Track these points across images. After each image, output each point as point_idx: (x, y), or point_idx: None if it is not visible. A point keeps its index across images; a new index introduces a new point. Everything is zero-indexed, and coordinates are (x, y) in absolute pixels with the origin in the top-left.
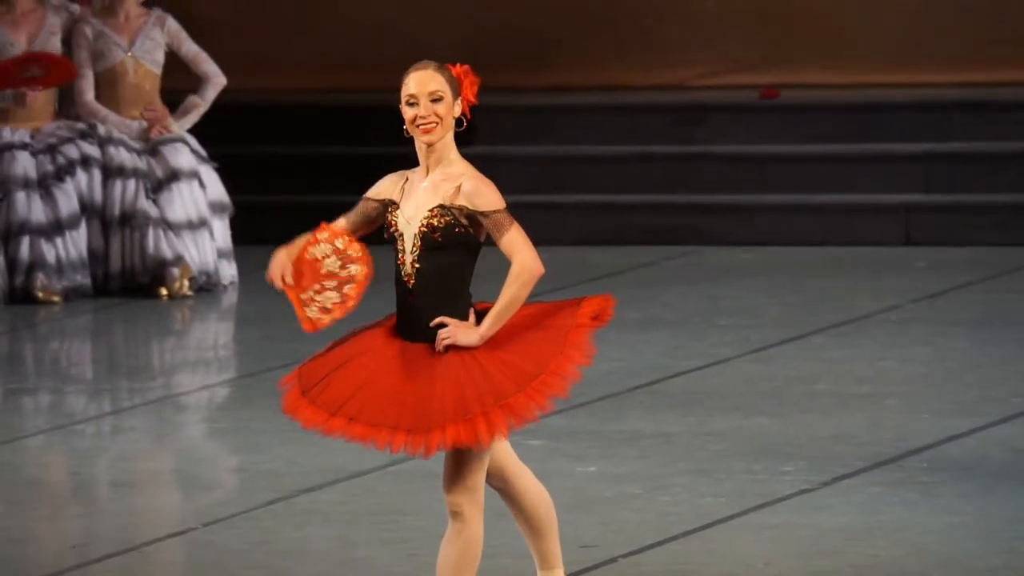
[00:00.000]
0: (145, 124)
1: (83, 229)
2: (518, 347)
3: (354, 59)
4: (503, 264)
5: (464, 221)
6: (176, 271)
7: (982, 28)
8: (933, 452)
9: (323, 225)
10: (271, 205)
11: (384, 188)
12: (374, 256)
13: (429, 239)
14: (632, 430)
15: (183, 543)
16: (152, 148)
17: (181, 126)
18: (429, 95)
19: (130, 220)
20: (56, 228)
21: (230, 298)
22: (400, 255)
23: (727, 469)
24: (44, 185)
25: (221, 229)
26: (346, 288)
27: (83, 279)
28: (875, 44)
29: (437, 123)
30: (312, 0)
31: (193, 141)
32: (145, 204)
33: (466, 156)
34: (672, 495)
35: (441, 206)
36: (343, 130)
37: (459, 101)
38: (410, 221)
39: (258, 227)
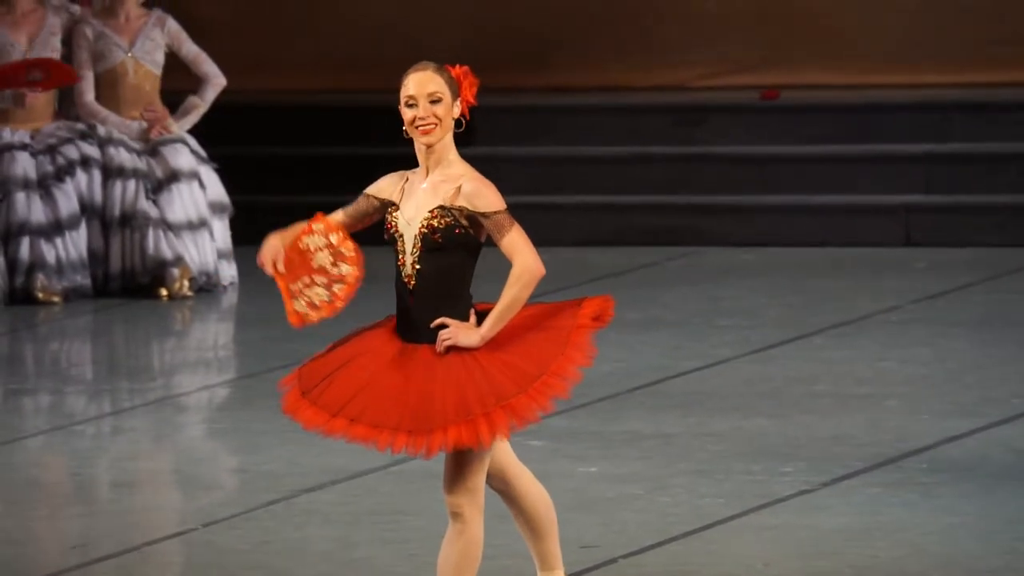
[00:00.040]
0: (145, 125)
1: (83, 230)
2: (519, 348)
3: (354, 60)
4: (503, 265)
5: (464, 222)
6: (176, 272)
7: (982, 28)
8: (933, 453)
9: (319, 216)
10: (271, 206)
11: (385, 188)
12: (373, 256)
13: (429, 240)
14: (632, 431)
15: (183, 543)
16: (152, 149)
17: (181, 127)
18: (428, 96)
19: (130, 221)
20: (56, 229)
21: (230, 299)
22: (400, 256)
23: (727, 470)
24: (44, 186)
25: (221, 230)
26: (335, 288)
27: (83, 280)
28: (875, 44)
29: (436, 124)
30: (312, 1)
31: (193, 142)
32: (145, 205)
33: (466, 157)
34: (672, 496)
35: (441, 207)
36: (343, 131)
37: (458, 102)
38: (410, 222)
39: (258, 228)
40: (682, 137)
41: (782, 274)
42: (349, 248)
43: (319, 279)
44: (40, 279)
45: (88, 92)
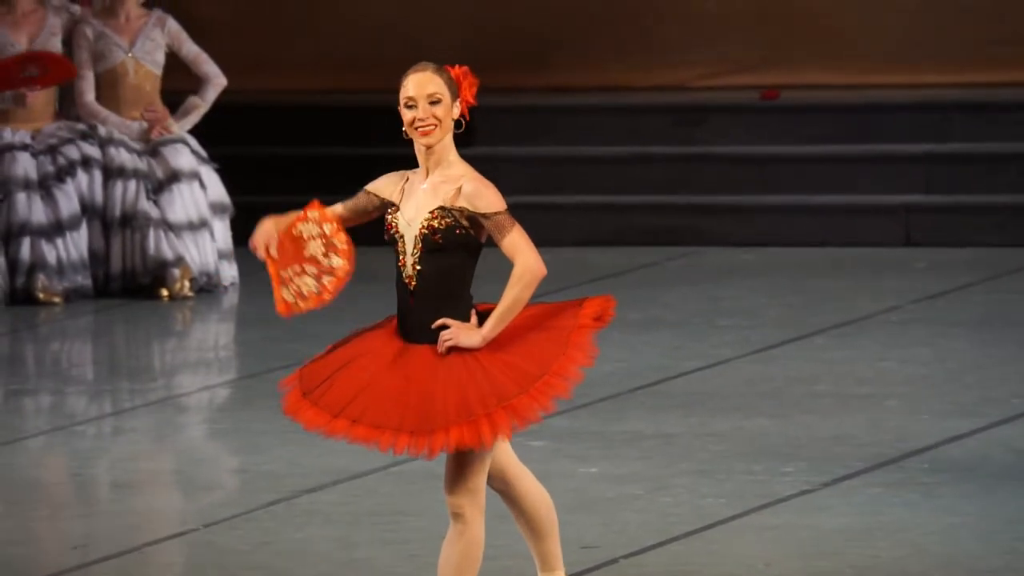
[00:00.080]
0: (145, 125)
1: (84, 230)
2: (520, 348)
3: (354, 60)
4: (504, 265)
5: (465, 223)
6: (177, 272)
7: (982, 28)
8: (934, 453)
9: (315, 203)
10: (272, 206)
11: (385, 187)
12: (373, 256)
13: (430, 241)
14: (633, 431)
15: (184, 544)
16: (152, 149)
17: (181, 127)
18: (427, 97)
19: (131, 221)
20: (57, 229)
21: (231, 299)
22: (401, 257)
23: (728, 470)
24: (45, 186)
25: (222, 230)
26: (324, 280)
27: (84, 280)
28: (875, 44)
29: (436, 125)
30: (313, 1)
31: (193, 142)
32: (146, 205)
33: (466, 157)
34: (673, 496)
35: (441, 208)
36: (344, 131)
37: (458, 103)
38: (410, 223)
39: None
40: (682, 137)
41: (782, 274)
42: (342, 240)
43: (310, 269)
44: (41, 279)
45: (88, 92)
